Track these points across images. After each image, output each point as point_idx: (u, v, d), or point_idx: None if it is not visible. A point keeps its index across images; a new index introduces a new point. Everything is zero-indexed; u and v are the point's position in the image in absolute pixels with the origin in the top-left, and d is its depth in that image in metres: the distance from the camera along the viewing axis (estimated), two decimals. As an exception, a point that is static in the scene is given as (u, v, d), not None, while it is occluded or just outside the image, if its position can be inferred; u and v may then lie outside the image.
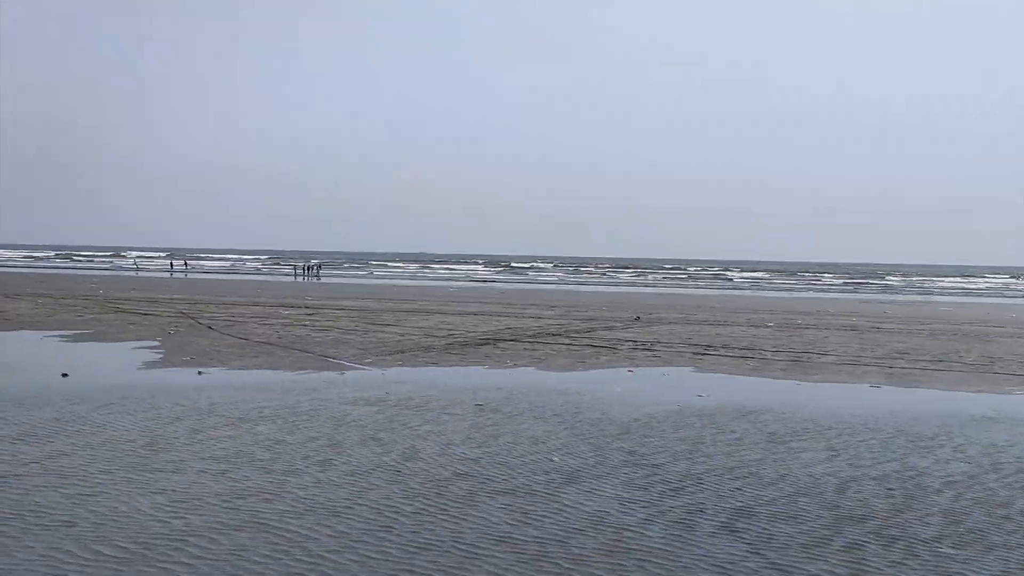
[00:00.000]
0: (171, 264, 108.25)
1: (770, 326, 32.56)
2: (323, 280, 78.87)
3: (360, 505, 8.95)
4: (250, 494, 9.19)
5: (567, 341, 25.52)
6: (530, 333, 27.57)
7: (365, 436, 12.17)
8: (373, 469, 10.42)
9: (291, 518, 8.45)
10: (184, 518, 8.36)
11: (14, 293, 42.40)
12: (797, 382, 18.56)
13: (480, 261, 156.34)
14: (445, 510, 8.83)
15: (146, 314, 31.59)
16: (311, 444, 11.60)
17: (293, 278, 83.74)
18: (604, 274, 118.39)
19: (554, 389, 16.77)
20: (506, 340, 25.25)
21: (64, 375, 16.98)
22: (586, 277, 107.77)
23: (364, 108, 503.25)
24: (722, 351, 23.83)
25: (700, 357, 22.46)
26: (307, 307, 37.09)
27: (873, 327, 33.33)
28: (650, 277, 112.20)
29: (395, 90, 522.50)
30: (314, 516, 8.53)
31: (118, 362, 19.54)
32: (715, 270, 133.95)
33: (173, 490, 9.30)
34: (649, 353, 23.05)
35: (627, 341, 25.79)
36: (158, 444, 11.40)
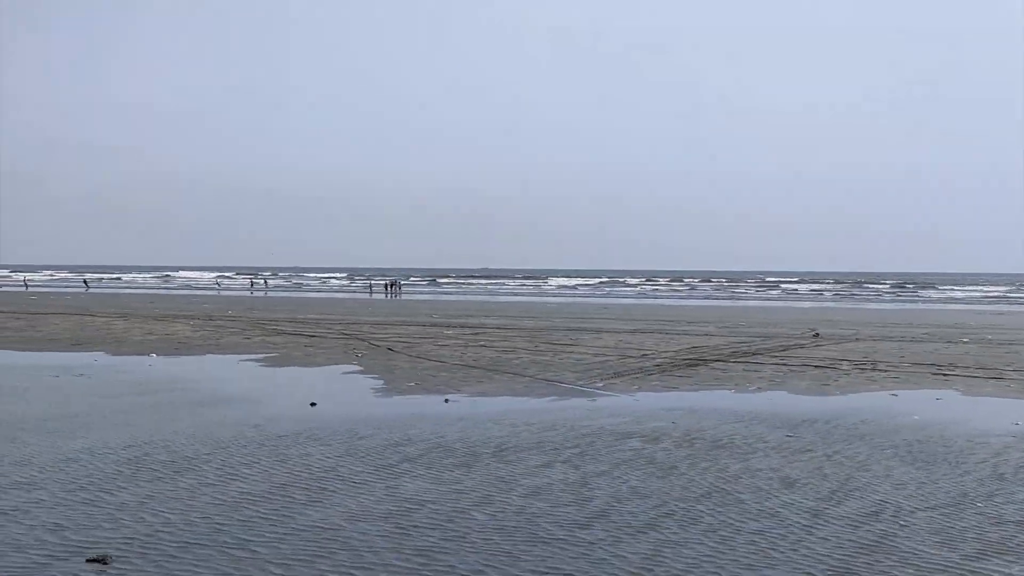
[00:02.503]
0: (251, 282, 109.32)
1: (966, 341, 30.39)
2: (405, 297, 77.43)
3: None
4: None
5: (774, 361, 23.83)
6: (726, 352, 25.94)
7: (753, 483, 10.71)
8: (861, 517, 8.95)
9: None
10: None
11: (154, 315, 42.03)
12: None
13: (559, 275, 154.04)
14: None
15: (311, 335, 30.67)
16: (706, 490, 10.17)
17: (369, 294, 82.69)
18: (694, 288, 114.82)
19: (850, 417, 15.20)
20: (711, 360, 23.68)
21: (312, 404, 15.87)
22: (676, 292, 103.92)
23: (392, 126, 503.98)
24: (960, 371, 21.90)
25: (944, 378, 20.59)
26: (466, 327, 35.85)
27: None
28: (742, 289, 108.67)
29: (426, 101, 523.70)
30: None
31: (348, 389, 18.52)
32: (848, 282, 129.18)
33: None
34: (881, 374, 21.28)
35: (840, 361, 23.99)
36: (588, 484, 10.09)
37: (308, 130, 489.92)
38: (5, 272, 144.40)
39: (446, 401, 16.73)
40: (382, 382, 19.33)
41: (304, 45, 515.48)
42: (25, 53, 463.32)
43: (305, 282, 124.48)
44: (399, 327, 35.10)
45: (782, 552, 7.97)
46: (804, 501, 9.67)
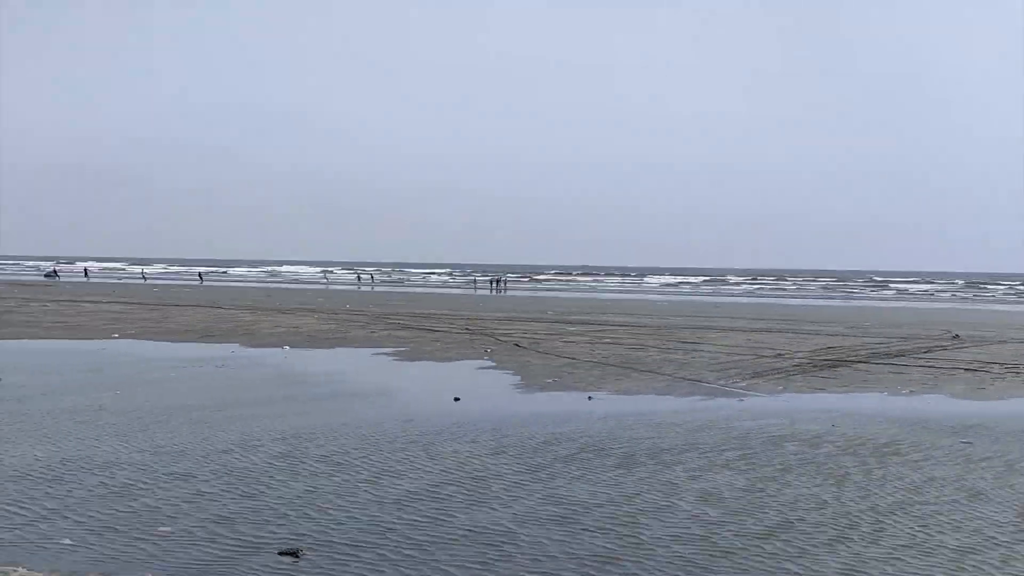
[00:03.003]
0: (359, 277, 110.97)
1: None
2: (510, 293, 77.02)
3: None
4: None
5: (919, 363, 22.75)
6: (863, 353, 24.90)
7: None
8: None
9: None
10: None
11: (277, 308, 42.84)
12: None
13: (652, 273, 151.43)
14: None
15: (435, 330, 30.72)
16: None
17: (474, 290, 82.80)
18: (801, 287, 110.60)
19: (1018, 422, 14.30)
20: (852, 361, 22.73)
21: (456, 399, 15.73)
22: (785, 291, 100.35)
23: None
24: None
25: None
26: (586, 324, 35.46)
27: None
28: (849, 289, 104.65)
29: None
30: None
31: (487, 384, 18.41)
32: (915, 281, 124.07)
33: None
34: (1043, 379, 20.02)
35: (989, 364, 22.73)
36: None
37: (408, 126, 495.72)
38: (121, 265, 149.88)
39: (589, 399, 16.38)
40: (519, 378, 19.10)
41: (400, 44, 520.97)
42: (131, 56, 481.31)
43: (407, 277, 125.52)
44: (518, 323, 34.91)
45: (996, 570, 7.37)
46: (999, 515, 8.98)
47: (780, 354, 24.41)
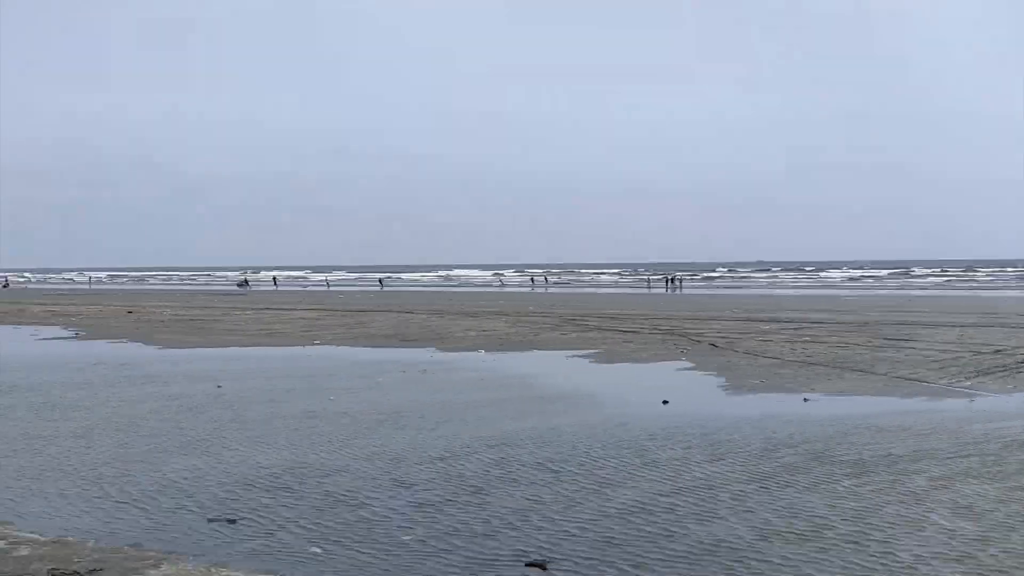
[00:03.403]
0: (532, 279, 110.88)
1: None
2: (685, 291, 75.10)
3: None
4: None
5: None
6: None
7: None
8: None
9: None
10: None
11: (463, 311, 43.47)
12: None
13: (841, 266, 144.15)
14: None
15: (625, 331, 30.35)
16: None
17: (648, 288, 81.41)
18: (995, 278, 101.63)
19: None
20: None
21: (664, 402, 15.35)
22: (978, 282, 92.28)
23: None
24: None
25: None
26: (780, 322, 34.23)
27: None
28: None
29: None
30: None
31: (691, 386, 17.98)
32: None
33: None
34: None
35: None
36: None
37: (580, 125, 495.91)
38: (303, 273, 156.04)
39: (805, 401, 15.64)
40: (724, 380, 18.51)
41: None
42: (315, 68, 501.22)
43: (576, 278, 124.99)
44: (706, 322, 34.06)
45: None
46: None
47: (999, 350, 22.72)
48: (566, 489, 9.79)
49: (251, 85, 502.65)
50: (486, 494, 9.61)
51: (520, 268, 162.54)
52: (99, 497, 9.67)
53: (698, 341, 26.19)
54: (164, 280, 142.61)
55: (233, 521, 8.69)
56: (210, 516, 8.86)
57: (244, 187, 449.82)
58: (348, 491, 9.78)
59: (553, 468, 10.76)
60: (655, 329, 30.76)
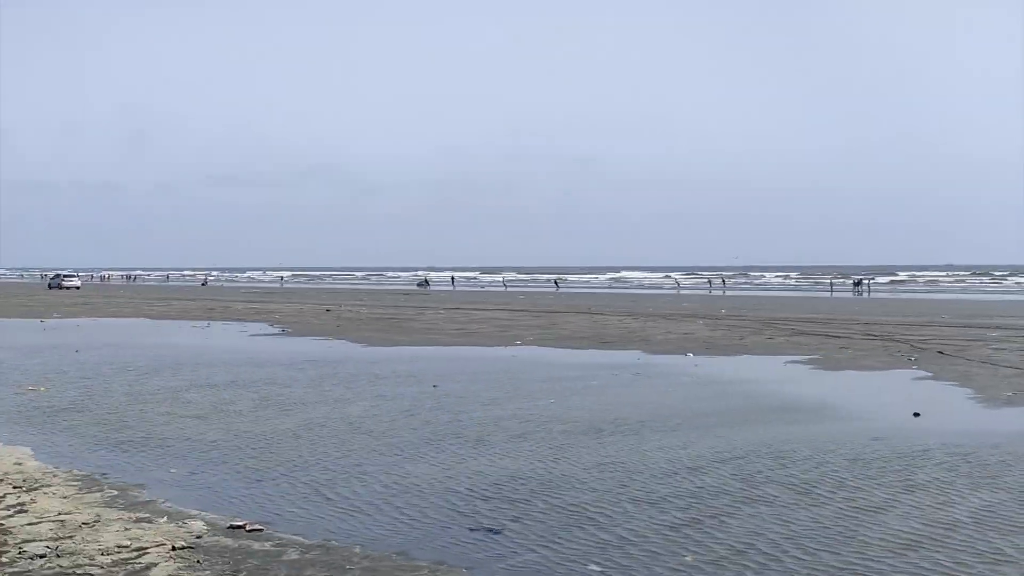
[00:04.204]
0: (709, 281, 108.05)
1: None
2: (874, 295, 70.73)
3: None
4: None
5: None
6: None
7: None
8: None
9: None
10: None
11: (659, 314, 42.64)
12: None
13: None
14: None
15: (833, 336, 28.93)
16: None
17: (830, 293, 77.56)
18: None
19: None
20: None
21: (916, 415, 14.22)
22: None
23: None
24: None
25: None
26: (1006, 328, 31.80)
27: None
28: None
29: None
30: None
31: (937, 398, 16.61)
32: None
33: None
34: None
35: None
36: None
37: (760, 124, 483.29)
38: (474, 273, 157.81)
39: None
40: (971, 391, 17.06)
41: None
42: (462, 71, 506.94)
43: (751, 280, 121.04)
44: (921, 328, 31.90)
45: None
46: None
47: None
48: (822, 515, 8.86)
49: (427, 95, 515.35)
50: (730, 516, 8.80)
51: (689, 270, 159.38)
52: (344, 499, 9.51)
53: (922, 348, 24.52)
54: (340, 280, 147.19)
55: (496, 532, 8.35)
56: (470, 525, 8.56)
57: (414, 191, 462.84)
58: (588, 504, 9.25)
59: (801, 488, 9.88)
60: (868, 335, 29.10)
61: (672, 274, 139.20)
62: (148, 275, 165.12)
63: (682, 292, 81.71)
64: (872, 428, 13.20)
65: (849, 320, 36.39)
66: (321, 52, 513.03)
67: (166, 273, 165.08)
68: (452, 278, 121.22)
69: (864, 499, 9.33)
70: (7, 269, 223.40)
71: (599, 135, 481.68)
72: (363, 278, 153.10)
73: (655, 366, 21.68)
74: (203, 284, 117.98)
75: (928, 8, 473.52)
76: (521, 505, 9.25)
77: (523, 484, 10.12)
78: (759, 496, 9.49)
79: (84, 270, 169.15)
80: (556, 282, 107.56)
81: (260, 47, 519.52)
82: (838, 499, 9.34)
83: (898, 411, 14.56)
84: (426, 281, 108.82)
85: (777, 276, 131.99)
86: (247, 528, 8.16)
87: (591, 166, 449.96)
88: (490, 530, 8.34)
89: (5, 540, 7.53)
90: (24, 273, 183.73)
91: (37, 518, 8.36)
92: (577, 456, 11.55)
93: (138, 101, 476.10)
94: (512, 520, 8.71)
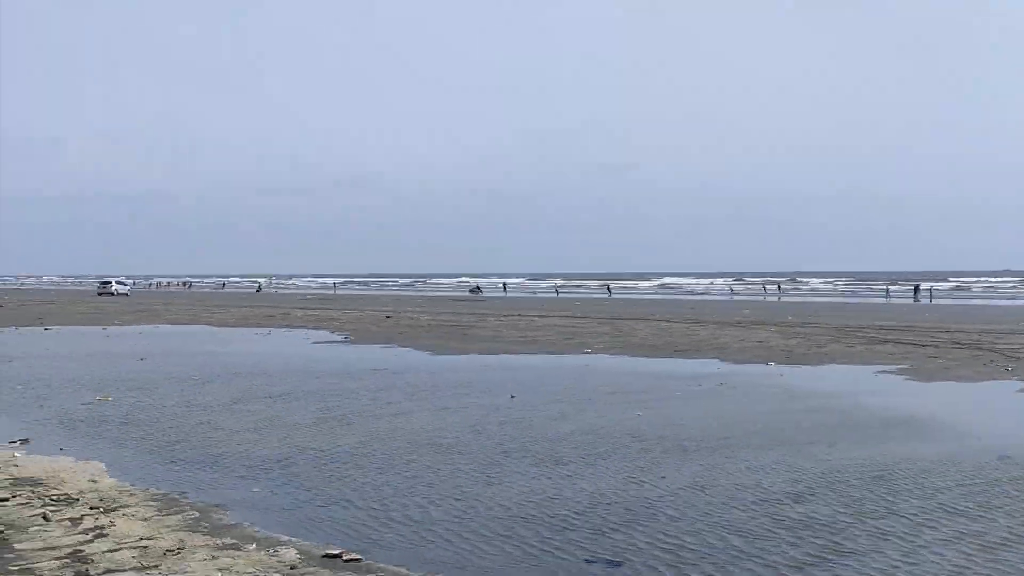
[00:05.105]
0: (764, 287, 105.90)
1: None
2: (935, 301, 68.63)
3: None
4: None
5: None
6: None
7: None
8: None
9: None
10: None
11: (727, 321, 41.57)
12: None
13: None
14: None
15: (919, 345, 27.74)
16: None
17: (886, 298, 75.64)
18: None
19: None
20: None
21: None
22: None
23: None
24: None
25: None
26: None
27: None
28: None
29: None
30: None
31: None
32: None
33: None
34: None
35: None
36: None
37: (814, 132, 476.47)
38: (519, 280, 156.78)
39: None
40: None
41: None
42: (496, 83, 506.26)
43: (796, 286, 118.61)
44: (1007, 336, 30.50)
45: None
46: None
47: None
48: (953, 556, 7.79)
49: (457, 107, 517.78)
50: (865, 550, 7.93)
51: (737, 276, 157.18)
52: (438, 522, 8.83)
53: (1015, 358, 23.27)
54: (387, 286, 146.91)
55: (618, 564, 7.58)
56: (585, 557, 7.79)
57: (453, 199, 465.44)
58: (706, 529, 8.48)
59: (931, 516, 8.89)
60: (954, 343, 27.83)
61: (716, 280, 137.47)
62: (201, 282, 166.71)
63: (736, 298, 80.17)
64: (996, 446, 12.17)
65: (929, 328, 35.02)
66: (371, 71, 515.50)
67: (222, 280, 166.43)
68: (504, 284, 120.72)
69: (1013, 528, 8.42)
70: (61, 276, 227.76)
71: (633, 143, 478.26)
72: (409, 284, 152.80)
73: (737, 376, 20.80)
74: (257, 290, 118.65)
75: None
76: (632, 529, 8.56)
77: (626, 511, 9.32)
78: (877, 529, 8.53)
79: (137, 277, 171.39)
80: (609, 288, 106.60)
81: (299, 60, 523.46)
82: (968, 535, 8.25)
83: (1017, 426, 13.50)
84: (479, 288, 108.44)
85: (825, 282, 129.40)
86: (344, 558, 7.46)
87: (625, 174, 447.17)
88: (611, 562, 7.55)
89: (87, 571, 6.87)
90: (82, 280, 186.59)
91: (117, 543, 7.75)
92: (677, 473, 10.84)
93: (174, 111, 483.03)
94: (629, 548, 8.03)
